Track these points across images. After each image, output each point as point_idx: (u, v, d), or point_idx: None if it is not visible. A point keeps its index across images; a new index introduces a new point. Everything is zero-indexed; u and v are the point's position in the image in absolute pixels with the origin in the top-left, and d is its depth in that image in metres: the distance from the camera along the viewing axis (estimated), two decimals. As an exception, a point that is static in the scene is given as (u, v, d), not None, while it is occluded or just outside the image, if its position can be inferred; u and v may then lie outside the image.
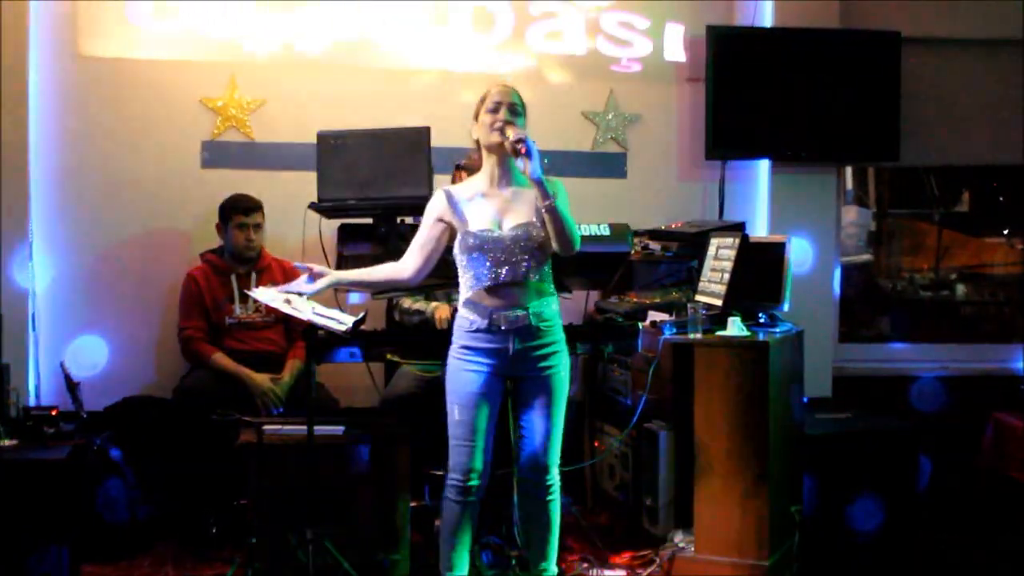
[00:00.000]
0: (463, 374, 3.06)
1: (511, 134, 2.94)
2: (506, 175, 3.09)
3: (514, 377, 3.10)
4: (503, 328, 3.01)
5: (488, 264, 3.00)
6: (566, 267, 3.33)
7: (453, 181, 4.14)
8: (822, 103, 4.89)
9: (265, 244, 4.40)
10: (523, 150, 2.91)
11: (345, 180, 3.60)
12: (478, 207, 3.06)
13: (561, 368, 3.11)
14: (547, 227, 3.01)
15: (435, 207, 3.11)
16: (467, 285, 3.07)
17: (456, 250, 3.07)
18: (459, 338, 3.09)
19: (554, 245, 3.04)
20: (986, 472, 4.37)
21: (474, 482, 3.07)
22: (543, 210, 2.97)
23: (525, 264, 3.01)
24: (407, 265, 3.14)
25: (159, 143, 4.55)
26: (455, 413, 3.07)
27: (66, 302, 4.48)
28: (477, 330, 3.03)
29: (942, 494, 4.49)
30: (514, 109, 3.02)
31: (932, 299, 5.78)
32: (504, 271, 3.00)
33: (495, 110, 3.01)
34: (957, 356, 5.29)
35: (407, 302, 4.14)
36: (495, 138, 3.01)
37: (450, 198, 3.09)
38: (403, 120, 4.12)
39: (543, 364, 3.07)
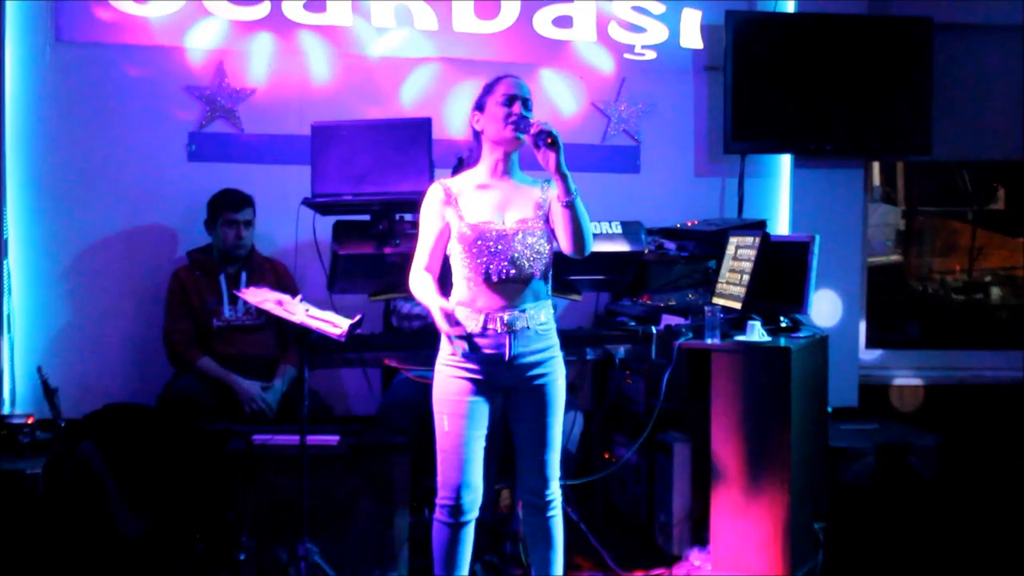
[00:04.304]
0: (453, 382, 3.04)
1: (535, 125, 2.95)
2: (509, 169, 3.09)
3: (507, 387, 3.08)
4: (498, 331, 3.01)
5: (488, 258, 3.00)
6: (575, 267, 3.34)
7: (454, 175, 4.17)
8: (848, 94, 4.91)
9: (256, 242, 4.42)
10: (550, 140, 2.90)
11: (341, 174, 3.61)
12: (478, 199, 3.06)
13: (556, 376, 3.10)
14: (559, 225, 3.01)
15: (433, 203, 3.09)
16: (462, 282, 3.06)
17: (453, 245, 3.07)
18: (447, 345, 3.07)
19: (566, 246, 3.03)
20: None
21: (466, 500, 3.04)
22: (563, 205, 2.96)
23: (527, 261, 3.01)
24: (432, 274, 3.11)
25: (143, 134, 4.56)
26: (444, 424, 3.04)
27: (44, 303, 4.49)
28: (469, 334, 3.03)
29: (978, 510, 4.49)
30: (527, 103, 3.03)
31: (965, 303, 5.78)
32: (505, 266, 2.99)
33: (508, 103, 3.01)
34: (992, 363, 5.29)
35: (406, 306, 4.15)
36: (508, 132, 3.01)
37: (447, 191, 3.08)
38: (402, 111, 4.13)
39: (538, 372, 3.06)
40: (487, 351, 3.01)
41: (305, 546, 3.27)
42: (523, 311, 3.02)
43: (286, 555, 3.34)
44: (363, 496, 3.53)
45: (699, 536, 3.82)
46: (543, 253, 3.05)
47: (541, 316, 3.06)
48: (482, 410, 3.04)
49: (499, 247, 3.00)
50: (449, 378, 3.05)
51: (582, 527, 3.94)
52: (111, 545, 3.86)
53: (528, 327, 3.02)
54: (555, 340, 3.12)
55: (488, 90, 3.08)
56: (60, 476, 3.68)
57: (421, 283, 3.07)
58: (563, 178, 2.94)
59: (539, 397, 3.07)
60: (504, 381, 3.05)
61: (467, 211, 3.04)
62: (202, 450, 3.82)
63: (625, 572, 3.82)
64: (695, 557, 3.77)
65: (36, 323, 4.48)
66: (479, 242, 3.00)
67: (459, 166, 4.07)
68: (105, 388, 4.44)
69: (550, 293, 3.11)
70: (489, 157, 3.09)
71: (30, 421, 3.80)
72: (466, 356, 3.01)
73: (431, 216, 3.09)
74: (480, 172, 3.11)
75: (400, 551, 3.55)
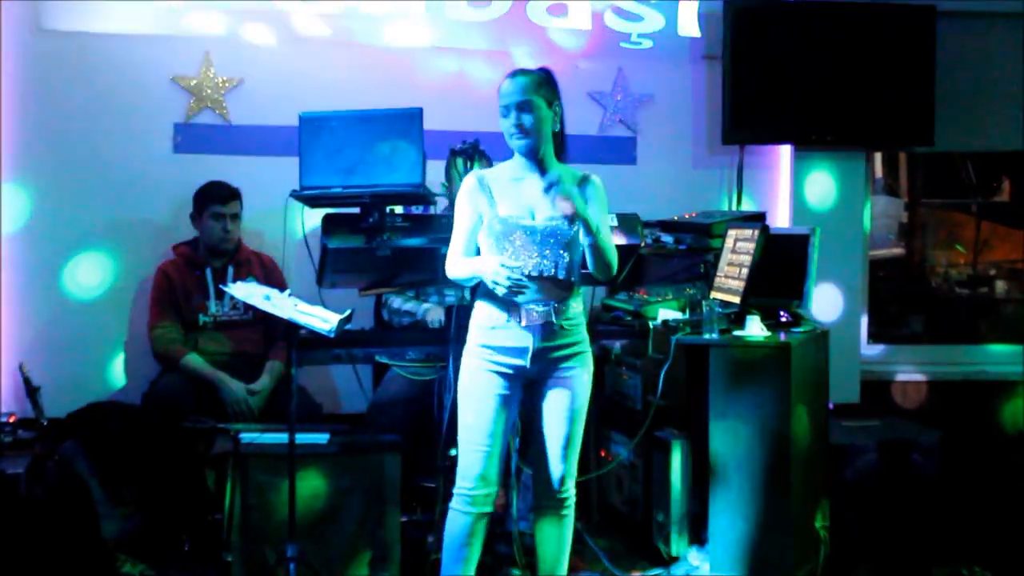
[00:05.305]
0: (479, 374, 3.07)
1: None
2: (540, 162, 3.10)
3: (533, 380, 3.11)
4: (524, 325, 3.02)
5: (515, 256, 3.02)
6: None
7: (448, 167, 4.16)
8: (850, 83, 4.90)
9: (243, 236, 4.41)
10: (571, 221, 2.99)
11: (330, 166, 3.60)
12: (511, 191, 3.08)
13: (583, 371, 3.13)
14: (586, 255, 3.08)
15: (467, 194, 3.12)
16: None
17: (481, 237, 3.09)
18: (476, 336, 3.10)
19: (591, 269, 3.11)
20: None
21: (486, 491, 3.08)
22: (587, 246, 3.05)
23: (556, 258, 3.03)
24: None
25: (127, 125, 4.54)
26: (468, 416, 3.08)
27: (26, 299, 4.48)
28: (495, 327, 3.05)
29: (981, 508, 4.49)
30: (523, 106, 3.02)
31: (969, 296, 5.79)
32: (533, 263, 3.02)
33: (506, 114, 3.04)
34: (997, 359, 5.29)
35: (397, 301, 4.15)
36: (514, 144, 3.06)
37: (481, 181, 3.11)
38: (393, 101, 4.11)
39: (564, 366, 3.09)
40: (513, 344, 3.03)
41: (294, 547, 3.26)
42: (552, 305, 3.03)
43: (274, 556, 3.34)
44: (353, 495, 3.52)
45: (697, 536, 3.81)
46: (574, 247, 3.07)
47: (570, 311, 3.08)
48: (506, 404, 3.08)
49: (529, 242, 3.02)
50: (475, 371, 3.09)
51: (578, 527, 3.93)
52: (95, 546, 3.85)
53: (556, 321, 3.04)
54: (584, 335, 3.15)
55: (499, 92, 3.10)
56: (42, 476, 3.67)
57: (459, 261, 3.12)
58: (585, 222, 2.99)
59: (564, 391, 3.11)
60: (531, 375, 3.09)
61: (499, 204, 3.07)
62: (188, 449, 3.81)
63: (622, 572, 3.82)
64: (693, 557, 3.77)
65: (18, 319, 4.46)
66: (509, 237, 3.03)
67: (452, 157, 4.08)
68: (89, 386, 4.44)
69: (579, 287, 3.13)
70: (518, 152, 3.13)
71: (12, 420, 3.79)
72: (495, 348, 3.04)
73: (465, 207, 3.12)
74: (515, 164, 3.14)
75: (391, 551, 3.54)
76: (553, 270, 3.03)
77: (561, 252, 3.04)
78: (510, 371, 3.06)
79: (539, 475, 3.19)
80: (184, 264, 4.32)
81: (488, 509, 3.11)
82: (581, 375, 3.12)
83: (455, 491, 3.10)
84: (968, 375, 5.19)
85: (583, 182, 3.13)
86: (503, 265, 2.96)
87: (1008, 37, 5.14)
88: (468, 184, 3.14)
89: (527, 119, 3.01)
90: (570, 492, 3.18)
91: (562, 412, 3.11)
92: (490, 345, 3.06)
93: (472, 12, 4.77)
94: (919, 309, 5.70)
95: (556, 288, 3.05)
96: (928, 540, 4.04)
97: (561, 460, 3.14)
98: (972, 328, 5.67)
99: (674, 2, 4.95)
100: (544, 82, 3.08)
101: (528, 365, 3.05)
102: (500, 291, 2.98)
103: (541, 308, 3.03)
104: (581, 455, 4.16)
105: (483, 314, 3.09)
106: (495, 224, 3.04)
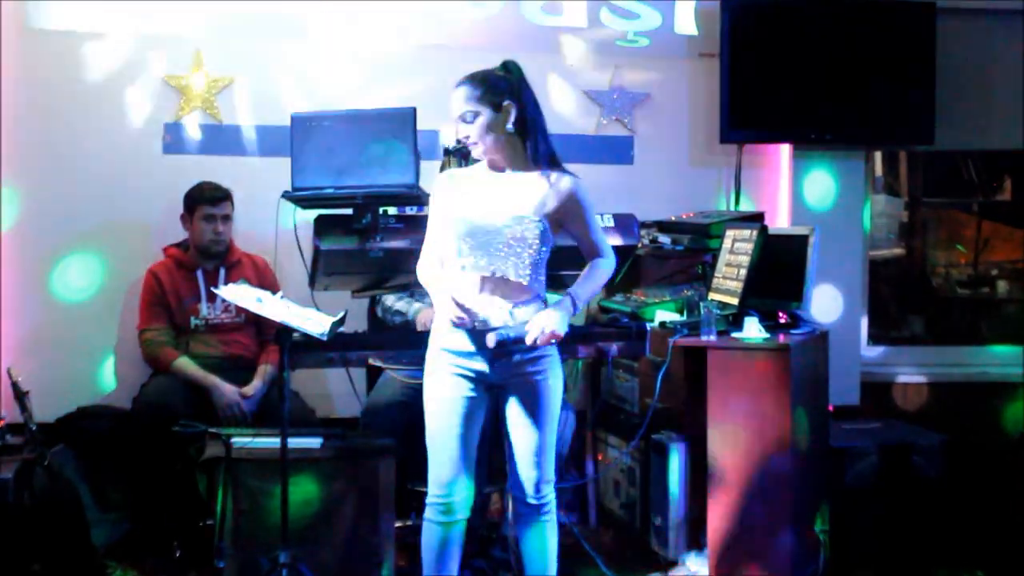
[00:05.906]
0: (442, 377, 3.05)
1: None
2: (508, 161, 3.10)
3: (498, 385, 3.08)
4: (486, 327, 2.99)
5: (477, 253, 3.00)
6: (564, 261, 3.33)
7: (442, 167, 4.15)
8: (849, 81, 4.90)
9: (235, 237, 4.40)
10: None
11: (322, 167, 3.60)
12: (476, 190, 3.07)
13: (549, 375, 3.08)
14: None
15: (437, 190, 3.14)
16: (451, 274, 3.07)
17: (446, 235, 3.08)
18: (436, 339, 3.09)
19: None
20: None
21: (456, 498, 3.06)
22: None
23: (515, 260, 3.01)
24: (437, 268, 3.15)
25: (117, 125, 4.54)
26: (434, 420, 3.06)
27: (13, 302, 4.46)
28: (454, 330, 3.03)
29: (983, 511, 4.50)
30: (465, 117, 3.03)
31: (970, 297, 5.79)
32: (493, 263, 3.00)
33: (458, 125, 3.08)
34: (998, 360, 5.30)
35: (390, 300, 4.15)
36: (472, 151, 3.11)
37: (451, 179, 3.13)
38: (386, 100, 4.12)
39: (529, 370, 3.05)
40: (473, 349, 3.01)
41: (286, 552, 3.25)
42: (513, 306, 3.01)
43: (267, 562, 3.33)
44: (347, 500, 3.52)
45: (696, 540, 3.82)
46: (536, 250, 3.04)
47: (531, 314, 3.05)
48: (472, 406, 3.05)
49: (488, 242, 3.00)
50: (437, 374, 3.07)
51: (575, 531, 3.94)
52: (85, 553, 3.85)
53: (516, 324, 3.01)
54: None
55: None
56: (31, 482, 3.66)
57: (429, 271, 3.14)
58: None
59: (530, 396, 3.06)
60: (493, 378, 3.05)
61: (463, 202, 3.05)
62: (179, 454, 3.80)
63: (619, 578, 3.83)
64: (692, 562, 3.77)
65: (5, 323, 4.45)
66: (468, 236, 3.01)
67: (446, 157, 4.07)
68: (78, 390, 4.43)
69: (543, 290, 3.10)
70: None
71: (0, 425, 3.78)
72: (456, 352, 3.03)
73: (436, 204, 3.13)
74: (484, 164, 3.14)
75: (386, 557, 3.54)
76: (513, 272, 3.00)
77: (521, 253, 3.01)
78: (472, 374, 3.04)
79: (515, 482, 3.14)
80: (175, 266, 4.31)
81: (464, 515, 3.09)
82: (547, 379, 3.08)
83: (427, 500, 3.08)
84: (969, 376, 5.19)
85: (559, 189, 3.07)
86: (453, 299, 2.96)
87: (1009, 34, 5.14)
88: (438, 182, 3.15)
89: (471, 130, 3.03)
90: (548, 497, 3.14)
91: (530, 418, 3.07)
92: (450, 349, 3.04)
93: (467, 10, 4.77)
94: (920, 310, 5.70)
95: (518, 290, 3.02)
96: (929, 544, 4.05)
97: (534, 466, 3.09)
98: (973, 329, 5.67)
99: (671, 0, 4.96)
100: (491, 85, 3.04)
101: (489, 370, 3.03)
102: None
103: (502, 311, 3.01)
104: (579, 458, 4.18)
105: (444, 317, 3.06)
106: (456, 224, 3.03)
